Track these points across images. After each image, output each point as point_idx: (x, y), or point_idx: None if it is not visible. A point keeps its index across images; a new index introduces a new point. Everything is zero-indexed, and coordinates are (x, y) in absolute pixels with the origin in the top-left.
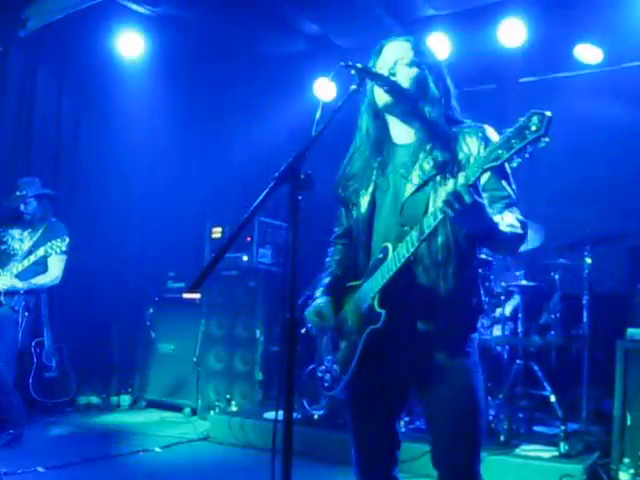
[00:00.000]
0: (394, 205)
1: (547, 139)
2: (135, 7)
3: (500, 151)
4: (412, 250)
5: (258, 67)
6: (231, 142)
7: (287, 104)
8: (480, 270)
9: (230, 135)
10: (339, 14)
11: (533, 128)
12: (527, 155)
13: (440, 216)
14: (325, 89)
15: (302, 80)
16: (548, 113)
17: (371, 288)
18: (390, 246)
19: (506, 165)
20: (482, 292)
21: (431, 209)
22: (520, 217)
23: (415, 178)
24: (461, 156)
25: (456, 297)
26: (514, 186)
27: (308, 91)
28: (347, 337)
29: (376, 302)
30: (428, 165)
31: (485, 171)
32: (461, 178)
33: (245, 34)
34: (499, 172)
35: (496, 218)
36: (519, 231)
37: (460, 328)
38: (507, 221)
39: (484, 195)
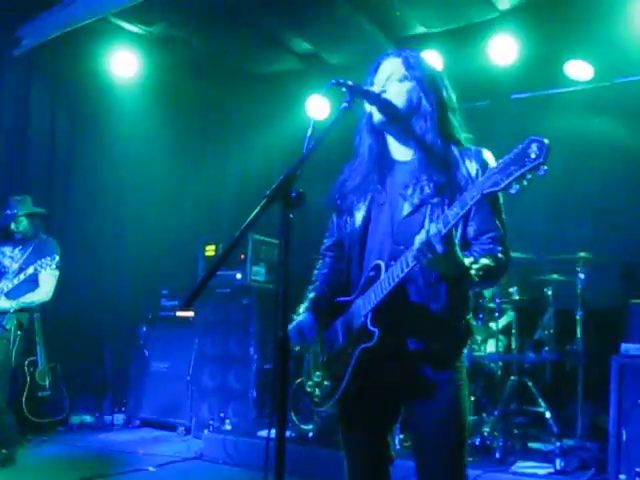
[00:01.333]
0: (390, 222)
1: (546, 167)
2: (129, 27)
3: (499, 176)
4: (407, 270)
5: (251, 86)
6: (225, 160)
7: (280, 122)
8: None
9: (224, 153)
10: (331, 32)
11: (532, 155)
12: (525, 182)
13: (412, 262)
14: (318, 107)
15: (295, 98)
16: (546, 141)
17: (364, 306)
18: (382, 264)
19: (499, 194)
20: (470, 314)
21: (421, 233)
22: (501, 255)
23: (414, 198)
24: (460, 179)
25: (446, 317)
26: (504, 216)
27: (301, 109)
28: (338, 353)
29: (369, 320)
30: (429, 188)
31: (485, 196)
32: (433, 228)
33: (238, 53)
34: (491, 202)
35: (469, 261)
36: (493, 273)
37: (449, 347)
38: (481, 263)
39: (470, 227)
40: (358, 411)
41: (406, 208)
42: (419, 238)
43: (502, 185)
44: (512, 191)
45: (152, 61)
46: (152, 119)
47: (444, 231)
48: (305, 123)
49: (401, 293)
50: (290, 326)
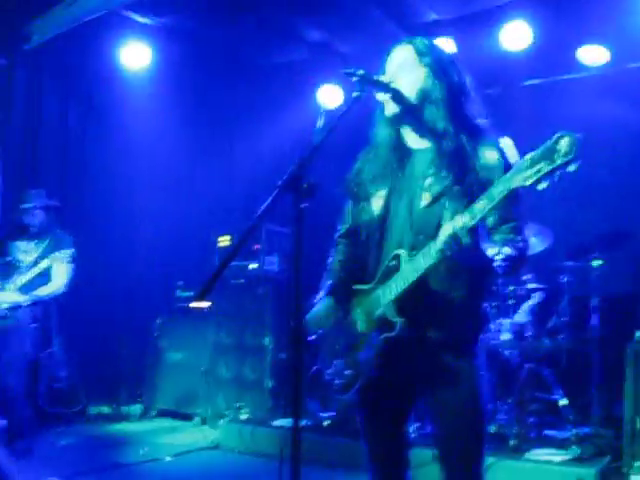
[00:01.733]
0: (409, 212)
1: (577, 163)
2: (139, 18)
3: (528, 172)
4: (431, 262)
5: (262, 75)
6: (237, 150)
7: (292, 112)
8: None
9: (235, 143)
10: (342, 21)
11: (563, 151)
12: (555, 179)
13: (436, 254)
14: (329, 96)
15: (306, 87)
16: (577, 135)
17: (384, 295)
18: (403, 253)
19: None
20: (487, 301)
21: (446, 225)
22: (521, 245)
23: (433, 188)
24: (479, 168)
25: (466, 306)
26: (524, 205)
27: (312, 98)
28: (359, 342)
29: (391, 310)
30: (447, 179)
31: (512, 191)
32: (459, 221)
33: (249, 43)
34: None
35: (493, 251)
36: (515, 263)
37: (468, 334)
38: (504, 254)
39: (491, 217)
40: (379, 399)
41: (425, 198)
42: (445, 230)
43: (531, 181)
44: (541, 186)
45: (163, 52)
46: (163, 110)
47: (470, 224)
48: (316, 112)
49: (422, 283)
50: (308, 315)
